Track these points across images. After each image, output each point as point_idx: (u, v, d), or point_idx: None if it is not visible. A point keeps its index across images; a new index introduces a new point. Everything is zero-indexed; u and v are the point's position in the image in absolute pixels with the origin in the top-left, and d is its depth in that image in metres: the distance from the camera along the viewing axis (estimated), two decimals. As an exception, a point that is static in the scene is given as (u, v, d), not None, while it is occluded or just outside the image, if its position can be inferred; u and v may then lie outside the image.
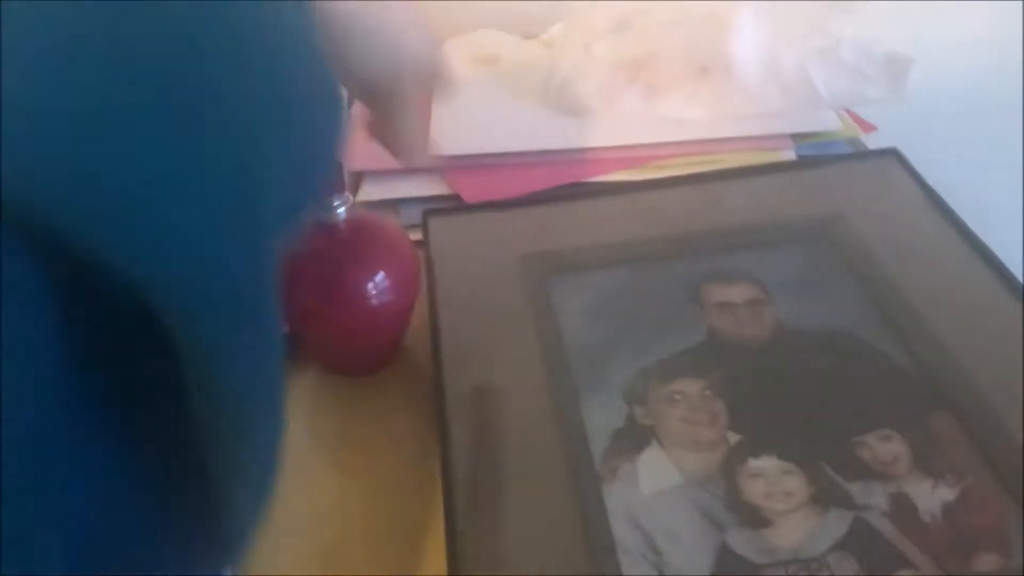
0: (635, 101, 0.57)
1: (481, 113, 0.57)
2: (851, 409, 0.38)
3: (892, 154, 0.53)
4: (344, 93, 0.26)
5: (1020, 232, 0.47)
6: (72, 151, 0.16)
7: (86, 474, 0.17)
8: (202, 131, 0.17)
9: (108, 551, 0.18)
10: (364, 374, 0.44)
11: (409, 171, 0.51)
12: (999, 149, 0.58)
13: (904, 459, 0.36)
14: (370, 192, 0.53)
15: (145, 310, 0.16)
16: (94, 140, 0.16)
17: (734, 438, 0.37)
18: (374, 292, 0.39)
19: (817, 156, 0.55)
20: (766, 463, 0.36)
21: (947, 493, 0.35)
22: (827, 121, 0.56)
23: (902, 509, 0.34)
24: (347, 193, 0.39)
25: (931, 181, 0.50)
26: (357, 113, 0.40)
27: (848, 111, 0.58)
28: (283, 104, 0.20)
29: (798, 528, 0.34)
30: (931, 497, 0.34)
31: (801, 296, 0.44)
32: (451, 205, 0.51)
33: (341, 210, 0.39)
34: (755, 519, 0.34)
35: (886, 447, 0.36)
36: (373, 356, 0.44)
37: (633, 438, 0.37)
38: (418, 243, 0.47)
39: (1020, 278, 0.42)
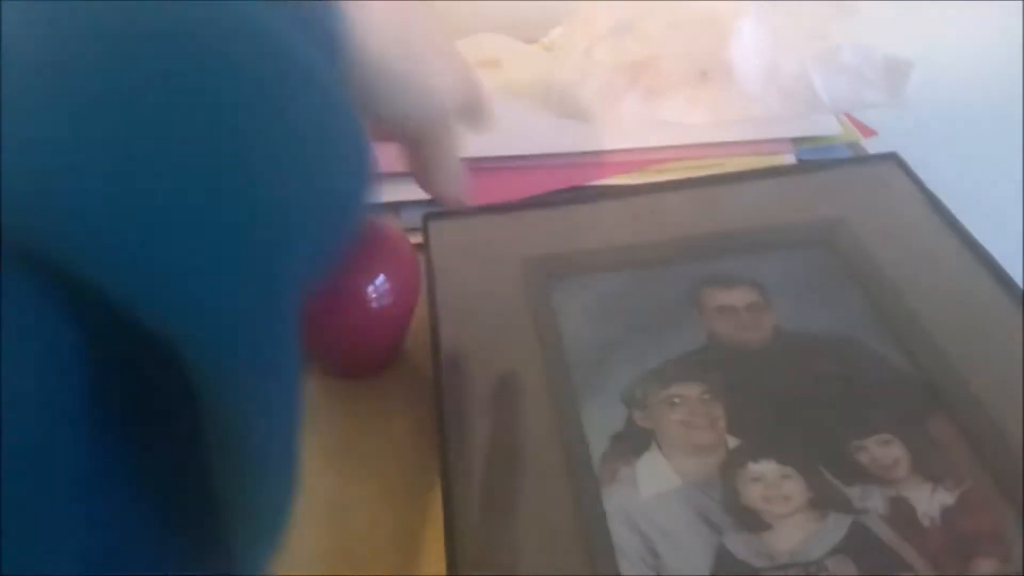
0: (635, 105, 0.57)
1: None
2: (850, 413, 0.38)
3: (892, 159, 0.53)
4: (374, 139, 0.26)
5: (1020, 237, 0.47)
6: (108, 209, 0.16)
7: (100, 505, 0.17)
8: (233, 189, 0.18)
9: None
10: (364, 377, 0.44)
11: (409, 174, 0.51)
12: (1000, 154, 0.58)
13: (903, 463, 0.36)
14: (370, 195, 0.53)
15: (166, 353, 0.17)
16: (128, 198, 0.16)
17: (733, 442, 0.37)
18: (374, 295, 0.39)
19: (817, 160, 0.55)
20: (765, 467, 0.36)
21: (946, 497, 0.35)
22: (827, 125, 0.57)
23: (901, 513, 0.34)
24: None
25: (931, 186, 0.50)
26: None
27: (848, 115, 0.59)
28: (311, 159, 0.20)
29: (796, 532, 0.34)
30: (930, 501, 0.34)
31: (801, 300, 0.44)
32: (452, 208, 0.51)
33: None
34: (754, 523, 0.34)
35: (885, 451, 0.36)
36: (373, 359, 0.44)
37: (632, 441, 0.37)
38: (418, 246, 0.47)
39: (1020, 283, 0.42)
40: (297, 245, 0.20)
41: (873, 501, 0.34)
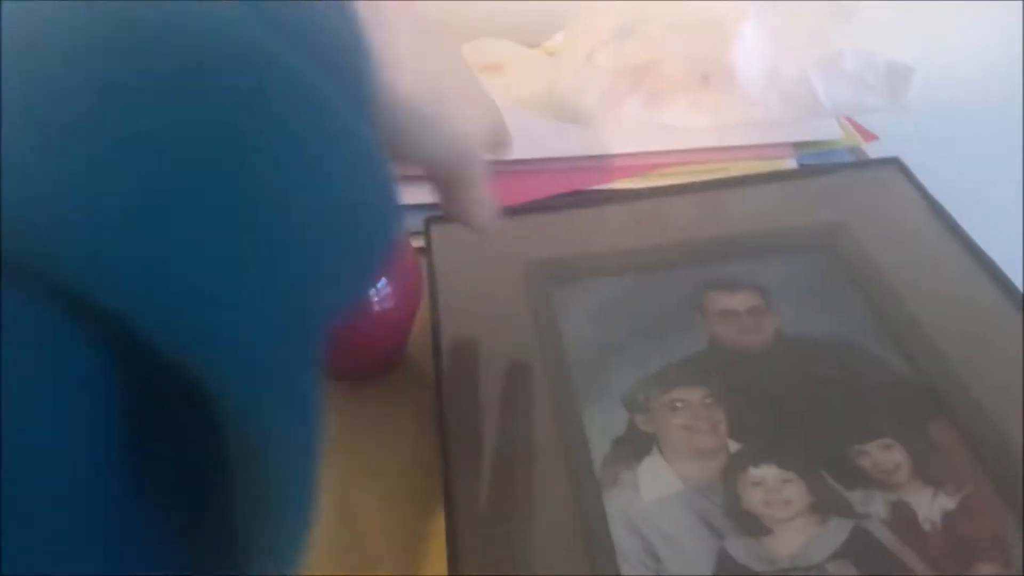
0: (637, 109, 0.57)
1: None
2: (852, 418, 0.38)
3: (893, 163, 0.53)
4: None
5: (1021, 241, 0.47)
6: (145, 249, 0.16)
7: (119, 533, 0.18)
8: (266, 230, 0.18)
9: None
10: (366, 380, 0.44)
11: (411, 177, 0.51)
12: (1001, 158, 0.58)
13: (904, 468, 0.36)
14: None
15: (191, 388, 0.17)
16: (166, 239, 0.16)
17: (734, 446, 0.37)
18: (376, 299, 0.40)
19: (818, 165, 0.55)
20: (766, 471, 0.36)
21: (947, 502, 0.35)
22: (828, 130, 0.57)
23: (902, 518, 0.34)
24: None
25: (932, 190, 0.50)
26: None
27: (850, 120, 0.59)
28: (340, 201, 0.21)
29: (798, 536, 0.34)
30: (931, 506, 0.34)
31: (802, 304, 0.44)
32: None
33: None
34: (755, 527, 0.34)
35: (887, 456, 0.36)
36: (375, 362, 0.44)
37: (634, 445, 0.38)
38: (420, 250, 0.47)
39: (1021, 287, 0.42)
40: (325, 285, 0.20)
41: (874, 505, 0.35)
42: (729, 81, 0.55)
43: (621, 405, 0.39)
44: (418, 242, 0.48)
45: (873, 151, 0.57)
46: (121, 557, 0.18)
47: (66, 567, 0.16)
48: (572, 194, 0.53)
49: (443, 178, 0.35)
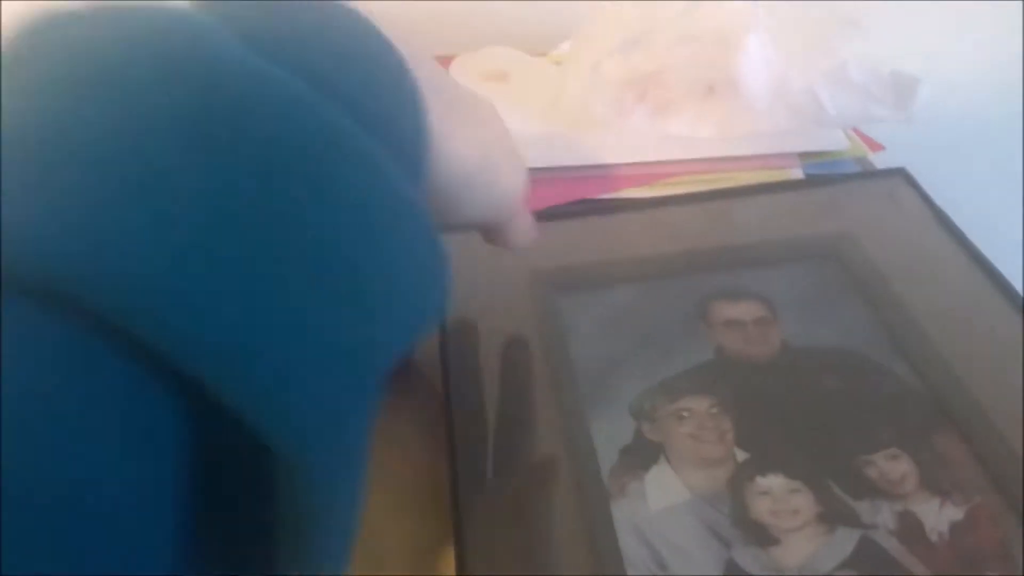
0: (644, 119, 0.58)
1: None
2: (858, 428, 0.38)
3: (900, 174, 0.53)
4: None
5: (1027, 252, 0.47)
6: (231, 321, 0.17)
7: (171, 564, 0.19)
8: (337, 306, 0.19)
9: None
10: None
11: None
12: (1007, 169, 0.58)
13: (911, 478, 0.36)
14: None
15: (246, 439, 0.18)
16: (247, 309, 0.18)
17: (741, 455, 0.37)
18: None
19: (825, 175, 0.55)
20: (773, 481, 0.36)
21: (954, 512, 0.35)
22: (835, 140, 0.57)
23: (909, 528, 0.34)
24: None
25: (939, 201, 0.50)
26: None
27: (856, 130, 0.59)
28: (398, 274, 0.22)
29: (805, 546, 0.34)
30: (938, 516, 0.34)
31: (808, 314, 0.44)
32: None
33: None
34: (762, 536, 0.34)
35: (893, 466, 0.36)
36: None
37: (641, 454, 0.38)
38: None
39: (1027, 298, 0.43)
40: (382, 341, 0.21)
41: (881, 516, 0.35)
42: (735, 91, 0.55)
43: (628, 414, 0.39)
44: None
45: (880, 161, 0.57)
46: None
47: None
48: (578, 203, 0.53)
49: (488, 228, 0.37)
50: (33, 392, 0.16)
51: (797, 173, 0.55)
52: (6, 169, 0.17)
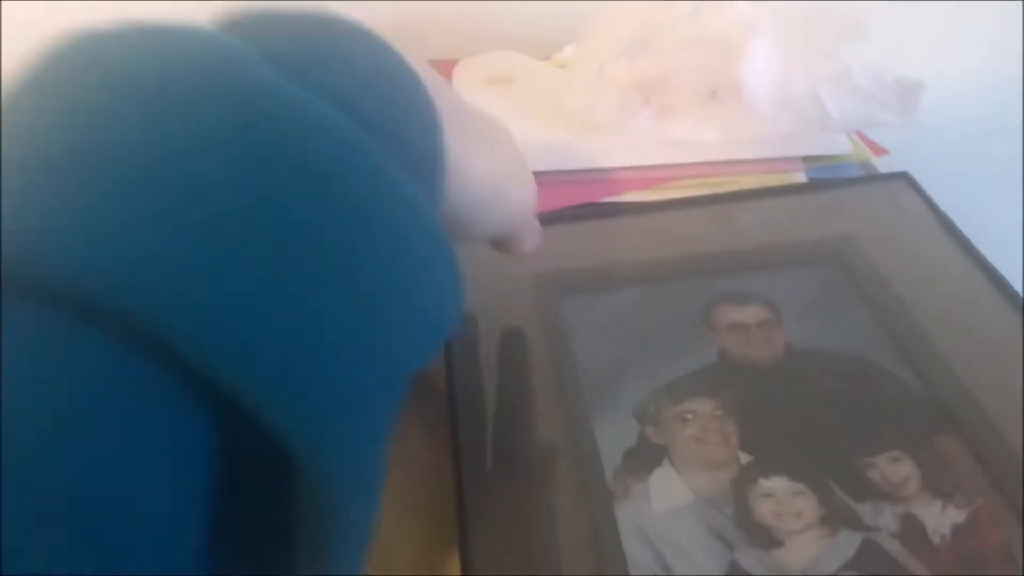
0: (648, 122, 0.58)
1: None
2: (861, 430, 0.38)
3: (903, 178, 0.53)
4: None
5: (1030, 256, 0.48)
6: (267, 340, 0.18)
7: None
8: (366, 327, 0.20)
9: None
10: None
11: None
12: (1010, 174, 0.58)
13: (913, 481, 0.36)
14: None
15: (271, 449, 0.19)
16: (283, 330, 0.18)
17: (745, 458, 0.37)
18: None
19: (828, 179, 0.55)
20: (776, 483, 0.36)
21: (956, 515, 0.35)
22: (838, 144, 0.57)
23: (911, 530, 0.34)
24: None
25: (942, 205, 0.50)
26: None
27: (859, 134, 0.59)
28: (420, 293, 0.23)
29: (808, 548, 0.34)
30: (940, 519, 0.35)
31: (811, 318, 0.44)
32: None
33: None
34: (765, 539, 0.34)
35: (896, 468, 0.37)
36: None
37: (645, 457, 0.38)
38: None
39: (1030, 302, 0.43)
40: (403, 360, 0.22)
41: (884, 518, 0.35)
42: (739, 96, 0.55)
43: (632, 417, 0.40)
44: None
45: (883, 165, 0.57)
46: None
47: None
48: (582, 207, 0.54)
49: (497, 240, 0.39)
50: (71, 402, 0.16)
51: (801, 177, 0.55)
52: (47, 186, 0.17)
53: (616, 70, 0.56)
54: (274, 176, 0.19)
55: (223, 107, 0.19)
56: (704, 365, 0.42)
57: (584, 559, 0.34)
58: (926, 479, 0.36)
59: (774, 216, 0.51)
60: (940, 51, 0.64)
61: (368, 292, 0.20)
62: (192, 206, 0.17)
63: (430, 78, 0.27)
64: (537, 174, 0.55)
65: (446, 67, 0.66)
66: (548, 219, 0.52)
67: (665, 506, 0.36)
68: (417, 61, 0.27)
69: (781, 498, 0.36)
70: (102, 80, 0.19)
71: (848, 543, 0.34)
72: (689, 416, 0.39)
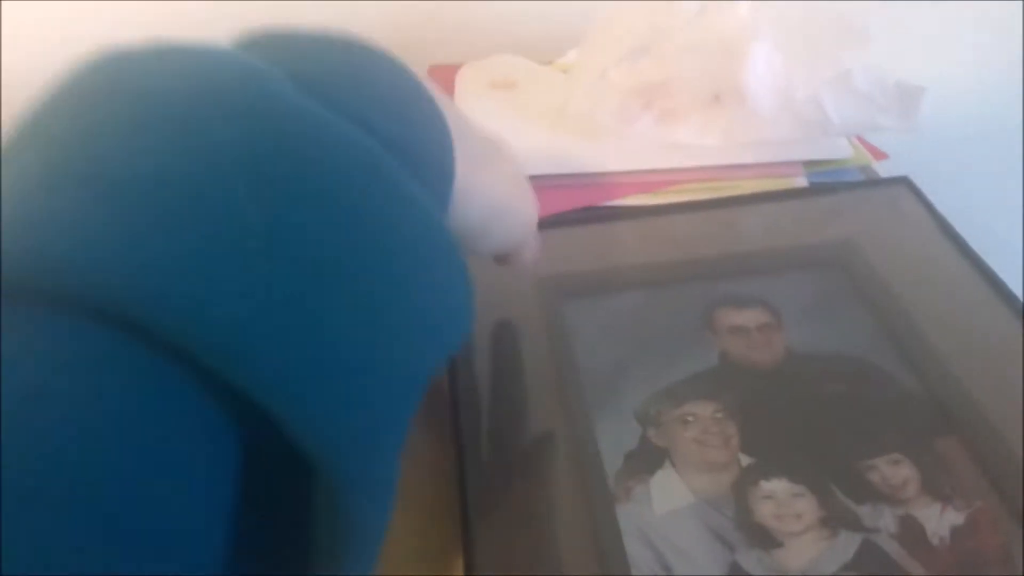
0: (650, 127, 0.58)
1: (498, 137, 0.58)
2: (861, 433, 0.39)
3: (903, 182, 0.53)
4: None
5: (1029, 260, 0.48)
6: (296, 357, 0.18)
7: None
8: (387, 340, 0.21)
9: None
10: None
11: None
12: (1009, 178, 0.58)
13: (913, 483, 0.36)
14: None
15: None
16: (311, 347, 0.19)
17: (745, 460, 0.38)
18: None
19: (829, 183, 0.55)
20: (777, 485, 0.37)
21: (955, 517, 0.35)
22: (839, 149, 0.57)
23: (911, 532, 0.35)
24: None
25: (942, 209, 0.50)
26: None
27: (860, 139, 0.59)
28: (436, 301, 0.23)
29: (808, 550, 0.34)
30: (939, 521, 0.35)
31: (812, 321, 0.44)
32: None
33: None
34: (766, 540, 0.35)
35: (896, 471, 0.37)
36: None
37: (646, 459, 0.38)
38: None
39: (1029, 306, 0.43)
40: (420, 374, 0.23)
41: (883, 520, 0.35)
42: (740, 100, 0.55)
43: (633, 419, 0.40)
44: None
45: (883, 170, 0.57)
46: None
47: None
48: (584, 210, 0.54)
49: (500, 255, 0.39)
50: (108, 414, 0.17)
51: (801, 181, 0.56)
52: (78, 202, 0.17)
53: (618, 75, 0.56)
54: (298, 193, 0.19)
55: (248, 124, 0.19)
56: (705, 368, 0.42)
57: (586, 560, 0.34)
58: (926, 481, 0.36)
59: (775, 220, 0.52)
60: (940, 56, 0.64)
61: (388, 305, 0.21)
62: (219, 222, 0.18)
63: (439, 99, 0.28)
64: (539, 178, 0.56)
65: (449, 71, 0.66)
66: (550, 223, 0.52)
67: (666, 507, 0.36)
68: (427, 81, 0.28)
69: (781, 500, 0.36)
70: (131, 98, 0.19)
71: (848, 544, 0.34)
72: (690, 418, 0.40)
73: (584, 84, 0.58)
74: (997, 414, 0.38)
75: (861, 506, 0.36)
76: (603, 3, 0.58)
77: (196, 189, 0.18)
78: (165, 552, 0.17)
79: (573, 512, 0.36)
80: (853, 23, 0.54)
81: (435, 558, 0.37)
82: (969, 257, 0.47)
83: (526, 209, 0.37)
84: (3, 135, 0.20)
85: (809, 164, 0.57)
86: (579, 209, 0.54)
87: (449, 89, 0.64)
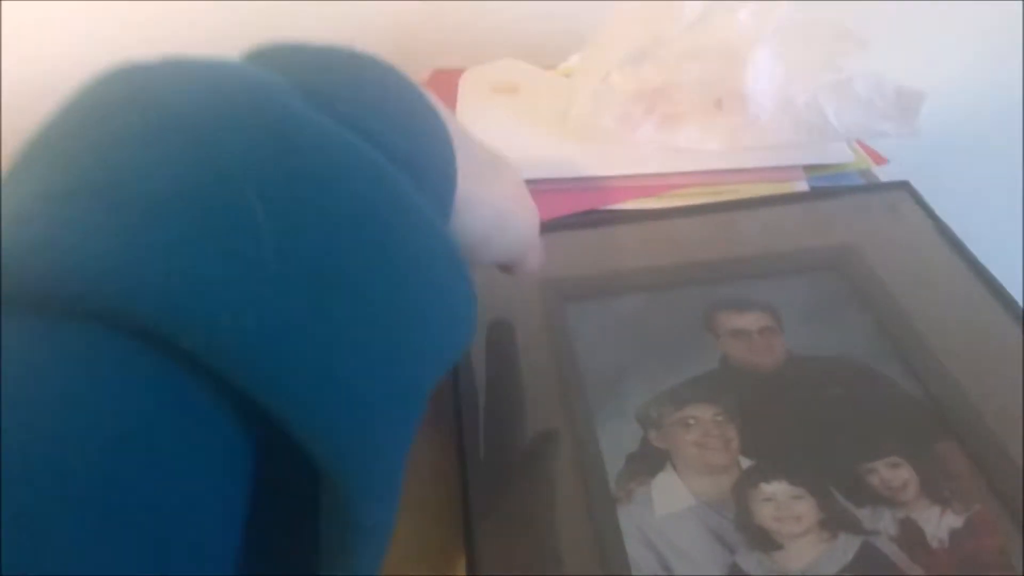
0: (652, 131, 0.58)
1: (500, 141, 0.58)
2: (861, 436, 0.39)
3: (904, 187, 0.54)
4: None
5: (1029, 265, 0.48)
6: (313, 372, 0.19)
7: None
8: (399, 354, 0.21)
9: None
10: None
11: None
12: (1009, 183, 0.58)
13: (912, 486, 0.37)
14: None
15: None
16: (326, 359, 0.19)
17: (746, 463, 0.38)
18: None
19: (829, 187, 0.56)
20: (777, 488, 0.37)
21: (954, 520, 0.35)
22: (840, 153, 0.57)
23: (910, 535, 0.35)
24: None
25: (942, 214, 0.51)
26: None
27: (860, 143, 0.59)
28: (443, 315, 0.24)
29: (808, 551, 0.34)
30: (938, 523, 0.35)
31: (812, 325, 0.45)
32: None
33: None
34: (766, 542, 0.35)
35: (895, 474, 0.37)
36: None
37: (647, 461, 0.38)
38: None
39: (1028, 310, 0.43)
40: (426, 387, 0.23)
41: (883, 522, 0.35)
42: (742, 105, 0.56)
43: (635, 421, 0.40)
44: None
45: (884, 174, 0.57)
46: None
47: None
48: (587, 214, 0.54)
49: (502, 265, 0.40)
50: (129, 420, 0.17)
51: (802, 186, 0.56)
52: (96, 215, 0.18)
53: (620, 79, 0.56)
54: (309, 207, 0.19)
55: (262, 138, 0.20)
56: (706, 371, 0.42)
57: (587, 561, 0.34)
58: (925, 484, 0.37)
59: (776, 224, 0.52)
60: (941, 61, 0.64)
61: (395, 316, 0.21)
62: (234, 236, 0.18)
63: (442, 112, 0.28)
64: (541, 182, 0.56)
65: (452, 76, 0.66)
66: (552, 226, 0.53)
67: (667, 509, 0.36)
68: (430, 94, 0.28)
69: (781, 502, 0.36)
70: (147, 111, 0.20)
71: (847, 546, 0.35)
72: (691, 421, 0.40)
73: (586, 89, 0.58)
74: (996, 418, 0.39)
75: (861, 509, 0.36)
76: (605, 8, 0.59)
77: (212, 203, 0.18)
78: (183, 553, 0.17)
79: (574, 513, 0.36)
80: (853, 28, 0.54)
81: (437, 558, 0.37)
82: (969, 261, 0.47)
83: (527, 219, 0.38)
84: (3, 135, 0.20)
85: (810, 168, 0.57)
86: (581, 213, 0.54)
87: (452, 93, 0.64)
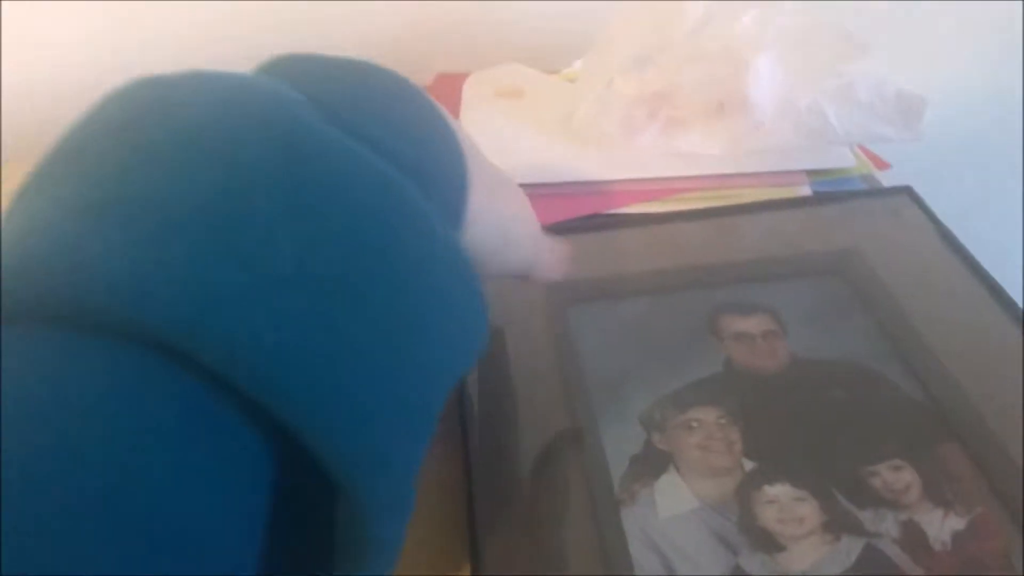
0: (655, 136, 0.59)
1: (504, 146, 0.59)
2: (863, 439, 0.39)
3: (905, 191, 0.54)
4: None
5: (1031, 269, 0.48)
6: (327, 385, 0.19)
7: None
8: (412, 363, 0.21)
9: None
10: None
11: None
12: (1010, 188, 0.59)
13: (915, 488, 0.37)
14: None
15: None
16: (340, 373, 0.19)
17: (749, 465, 0.38)
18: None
19: (832, 192, 0.56)
20: (779, 490, 0.37)
21: (956, 522, 0.35)
22: (842, 158, 0.58)
23: (912, 537, 0.35)
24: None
25: (943, 218, 0.51)
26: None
27: (862, 148, 0.60)
28: (457, 327, 0.24)
29: (810, 554, 0.35)
30: (941, 525, 0.35)
31: (815, 328, 0.45)
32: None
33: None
34: (768, 544, 0.35)
35: (897, 476, 0.37)
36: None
37: (651, 464, 0.39)
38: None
39: (1030, 314, 0.43)
40: (439, 400, 0.24)
41: (885, 525, 0.35)
42: (744, 110, 0.56)
43: (638, 424, 0.40)
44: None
45: (886, 179, 0.58)
46: None
47: None
48: (590, 218, 0.54)
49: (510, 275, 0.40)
50: (148, 433, 0.17)
51: (804, 190, 0.56)
52: (118, 230, 0.18)
53: (623, 84, 0.57)
54: (327, 223, 0.20)
55: (281, 154, 0.20)
56: (709, 374, 0.43)
57: (591, 562, 0.35)
58: (927, 487, 0.37)
59: (778, 228, 0.52)
60: (943, 66, 0.64)
61: (409, 331, 0.21)
62: (256, 254, 0.18)
63: (453, 124, 0.29)
64: (545, 186, 0.56)
65: (456, 80, 0.67)
66: (555, 230, 0.53)
67: (670, 512, 0.37)
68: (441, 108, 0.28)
69: (784, 504, 0.36)
70: (167, 127, 0.20)
71: (850, 549, 0.35)
72: (694, 424, 0.40)
73: (590, 93, 0.59)
74: (998, 420, 0.39)
75: (863, 511, 0.36)
76: (609, 13, 0.59)
77: (229, 217, 0.18)
78: (202, 563, 0.18)
79: (578, 515, 0.36)
80: (855, 33, 0.54)
81: (441, 558, 0.37)
82: (970, 265, 0.47)
83: (533, 234, 0.38)
84: (3, 135, 0.21)
85: (812, 173, 0.57)
86: (584, 217, 0.54)
87: (456, 97, 0.65)
